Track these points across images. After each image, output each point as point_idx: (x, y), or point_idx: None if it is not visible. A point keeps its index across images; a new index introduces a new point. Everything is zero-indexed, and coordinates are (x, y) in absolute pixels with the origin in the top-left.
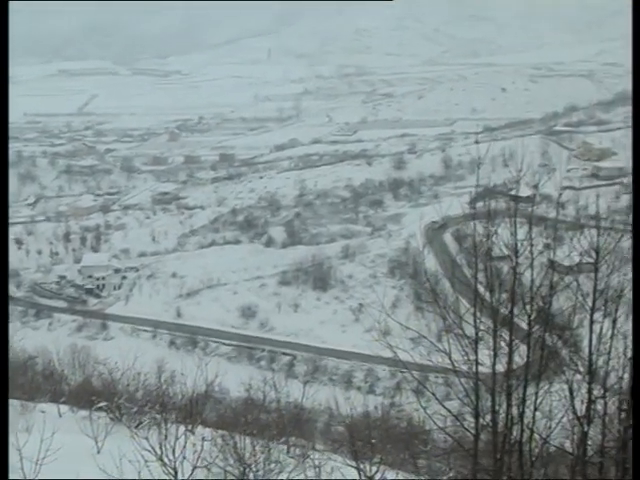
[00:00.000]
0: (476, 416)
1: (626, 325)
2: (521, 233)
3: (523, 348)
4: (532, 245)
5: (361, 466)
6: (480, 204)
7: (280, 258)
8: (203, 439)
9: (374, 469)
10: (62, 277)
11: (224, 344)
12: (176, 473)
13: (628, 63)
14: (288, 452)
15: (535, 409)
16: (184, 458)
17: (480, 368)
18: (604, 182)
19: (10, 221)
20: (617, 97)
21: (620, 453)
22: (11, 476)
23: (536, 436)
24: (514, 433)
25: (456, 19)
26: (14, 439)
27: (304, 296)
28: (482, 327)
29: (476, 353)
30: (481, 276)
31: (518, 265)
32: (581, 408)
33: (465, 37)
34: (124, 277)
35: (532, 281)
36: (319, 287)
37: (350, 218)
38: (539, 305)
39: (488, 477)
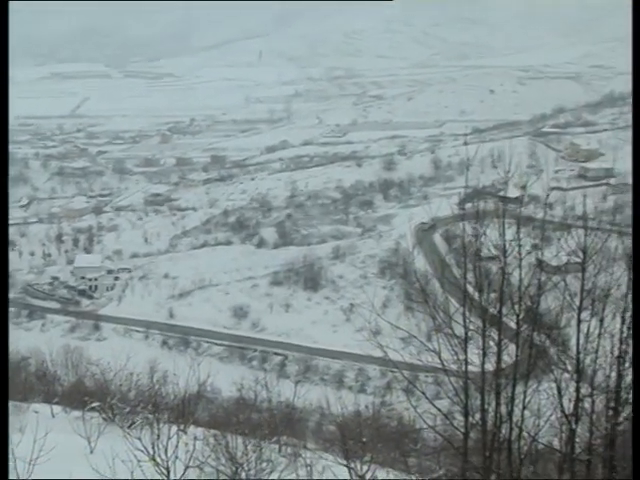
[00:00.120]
0: (465, 415)
1: (613, 324)
2: (509, 233)
3: (512, 347)
4: (520, 245)
5: (352, 465)
6: (469, 205)
7: (271, 259)
8: (195, 439)
9: (365, 468)
10: (55, 278)
11: (216, 344)
12: (169, 473)
13: (615, 65)
14: (280, 451)
15: (524, 407)
16: (176, 458)
17: (469, 367)
18: (591, 183)
19: None
20: (604, 99)
21: (607, 450)
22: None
23: (525, 434)
24: (503, 431)
25: (447, 22)
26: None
27: (295, 296)
28: (471, 327)
29: (465, 352)
30: (470, 276)
31: (507, 265)
32: (569, 406)
33: (455, 40)
34: (117, 278)
35: (520, 281)
36: (310, 287)
37: (341, 219)
38: (527, 305)
39: (478, 475)
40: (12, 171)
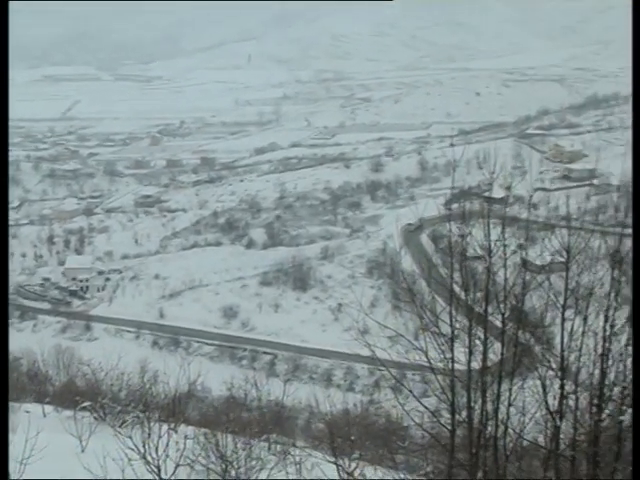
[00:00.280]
0: (452, 412)
1: (596, 322)
2: (495, 234)
3: (497, 345)
4: (505, 245)
5: (340, 462)
6: (455, 205)
7: (261, 259)
8: (186, 437)
9: (353, 465)
10: (46, 279)
11: (206, 344)
12: (159, 471)
13: (598, 68)
14: (269, 449)
15: (509, 405)
16: (167, 456)
17: (456, 365)
18: (575, 183)
19: None
20: (588, 101)
21: (591, 447)
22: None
23: (510, 431)
24: (489, 428)
25: (435, 25)
26: None
27: (284, 296)
28: (458, 325)
29: (452, 351)
30: (456, 276)
31: (492, 265)
32: (554, 403)
33: (443, 43)
34: (107, 279)
35: (506, 280)
36: (299, 287)
37: (329, 220)
38: (512, 303)
39: (464, 471)
40: None
